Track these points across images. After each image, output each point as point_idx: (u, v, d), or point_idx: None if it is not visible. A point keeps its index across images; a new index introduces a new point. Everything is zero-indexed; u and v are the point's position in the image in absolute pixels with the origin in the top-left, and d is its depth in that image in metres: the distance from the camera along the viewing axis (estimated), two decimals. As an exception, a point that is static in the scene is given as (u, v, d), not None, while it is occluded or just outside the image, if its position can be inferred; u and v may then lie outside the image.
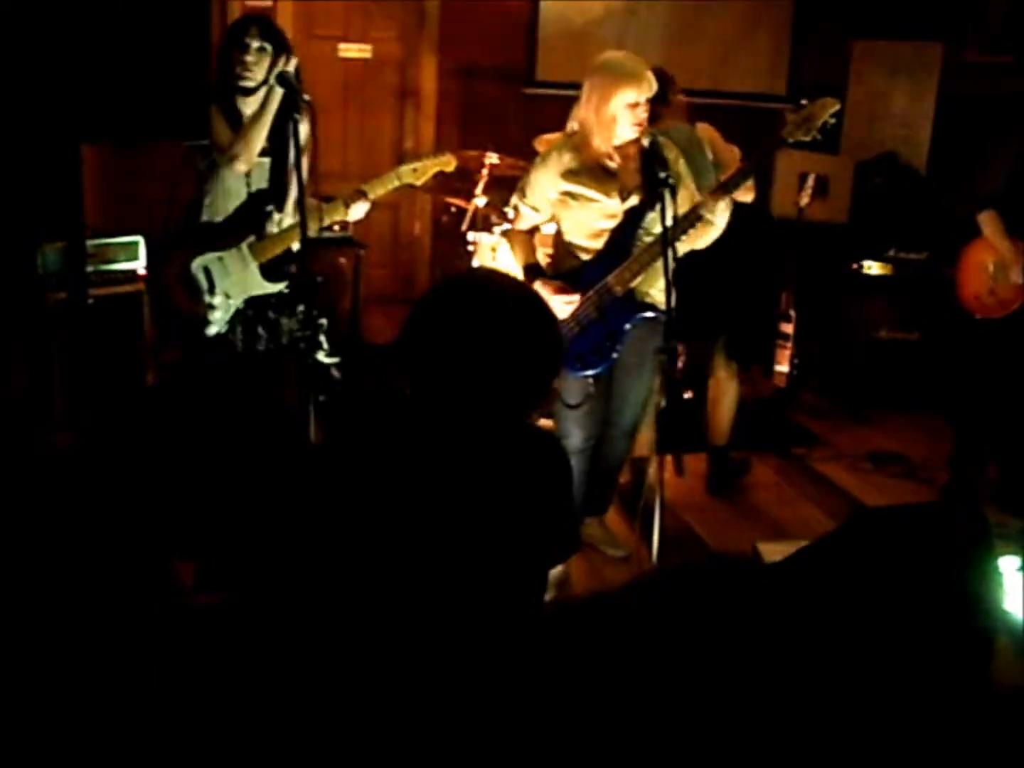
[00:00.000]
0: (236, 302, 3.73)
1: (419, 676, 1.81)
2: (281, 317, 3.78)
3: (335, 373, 3.80)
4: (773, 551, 4.30)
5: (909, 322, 6.05)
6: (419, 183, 3.95)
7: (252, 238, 3.72)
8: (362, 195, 3.81)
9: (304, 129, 3.82)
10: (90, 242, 5.14)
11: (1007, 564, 4.05)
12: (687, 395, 5.82)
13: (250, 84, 3.61)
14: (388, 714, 1.80)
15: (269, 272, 3.72)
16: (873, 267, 6.40)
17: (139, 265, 5.30)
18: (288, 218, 3.81)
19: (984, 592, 3.42)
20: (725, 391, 5.12)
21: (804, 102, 3.90)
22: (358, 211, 3.85)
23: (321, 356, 3.68)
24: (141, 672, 2.38)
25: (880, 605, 3.31)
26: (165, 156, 3.78)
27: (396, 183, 3.89)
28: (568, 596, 4.00)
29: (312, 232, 3.77)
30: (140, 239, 5.30)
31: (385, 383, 6.07)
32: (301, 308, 3.82)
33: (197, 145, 3.58)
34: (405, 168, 3.92)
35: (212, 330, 3.72)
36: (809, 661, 3.33)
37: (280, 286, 3.80)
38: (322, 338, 3.72)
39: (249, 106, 3.61)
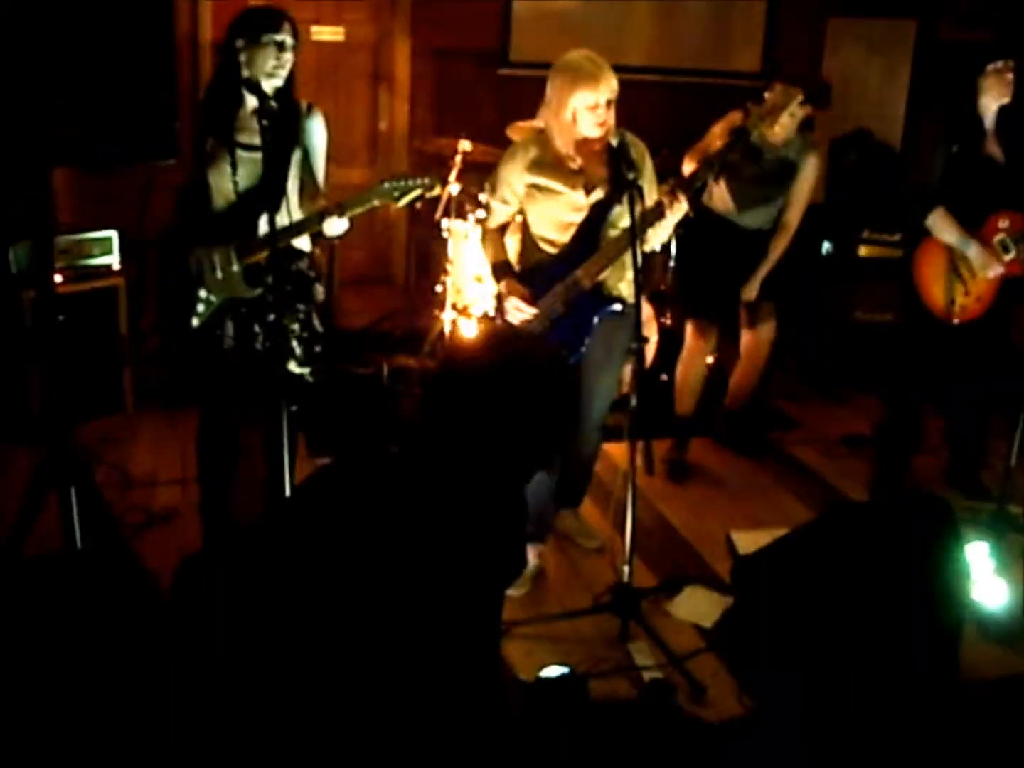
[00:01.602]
0: (216, 300, 3.69)
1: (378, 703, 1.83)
2: (282, 319, 3.69)
3: (309, 379, 3.77)
4: (747, 541, 4.34)
5: (884, 304, 6.06)
6: (398, 205, 3.72)
7: (238, 240, 3.67)
8: (337, 209, 3.59)
9: (311, 127, 3.80)
10: (64, 238, 5.16)
11: (976, 550, 4.10)
12: (663, 378, 5.86)
13: (279, 84, 3.58)
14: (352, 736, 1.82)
15: (252, 276, 3.66)
16: (848, 248, 6.41)
17: (114, 260, 5.31)
18: (285, 219, 3.60)
19: (949, 581, 3.47)
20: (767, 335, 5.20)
21: (767, 94, 3.90)
22: (333, 226, 3.61)
23: (293, 366, 3.68)
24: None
25: (847, 596, 3.34)
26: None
27: (375, 204, 3.66)
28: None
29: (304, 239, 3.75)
30: (114, 233, 5.30)
31: (357, 369, 6.11)
32: (302, 307, 3.80)
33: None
34: (387, 186, 3.65)
35: (194, 322, 3.69)
36: (784, 646, 3.35)
37: (256, 291, 3.70)
38: (294, 344, 3.72)
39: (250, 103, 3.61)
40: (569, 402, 2.13)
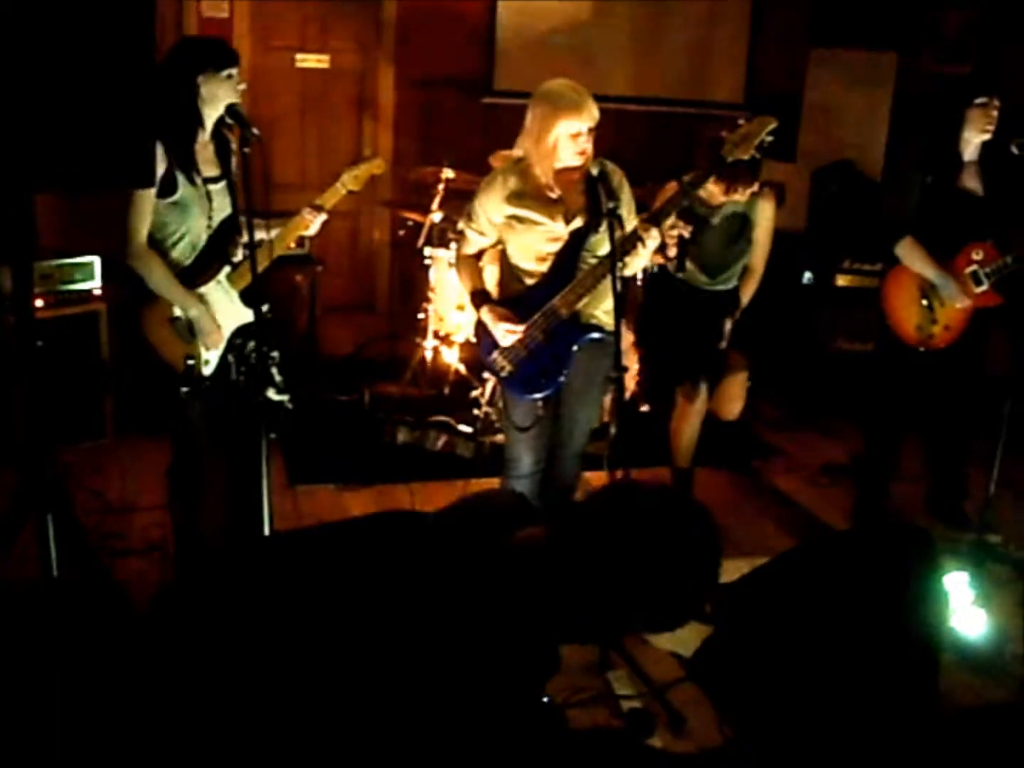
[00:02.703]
0: (226, 335, 3.73)
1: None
2: (248, 342, 3.74)
3: (288, 406, 3.77)
4: (728, 569, 4.33)
5: (864, 333, 6.09)
6: (358, 188, 4.00)
7: (227, 268, 3.70)
8: (319, 209, 3.84)
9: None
10: (46, 263, 5.16)
11: (955, 580, 4.11)
12: (644, 408, 5.88)
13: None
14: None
15: (249, 298, 3.70)
16: (829, 278, 6.45)
17: (95, 285, 5.31)
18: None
19: (929, 610, 3.46)
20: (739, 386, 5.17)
21: (741, 122, 3.93)
22: (317, 224, 3.87)
23: (272, 393, 3.68)
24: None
25: (827, 625, 3.34)
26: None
27: (343, 191, 3.93)
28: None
29: (283, 250, 3.83)
30: (95, 259, 5.31)
31: (339, 396, 6.10)
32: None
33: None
34: (346, 176, 3.94)
35: (209, 369, 3.71)
36: (764, 676, 3.35)
37: (265, 310, 3.79)
38: (274, 371, 3.72)
39: (206, 146, 3.63)
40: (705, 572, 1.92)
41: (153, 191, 3.51)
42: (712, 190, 4.63)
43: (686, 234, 4.25)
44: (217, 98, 3.54)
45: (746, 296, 5.02)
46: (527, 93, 3.88)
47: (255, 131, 3.39)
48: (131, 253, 3.56)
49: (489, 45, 7.67)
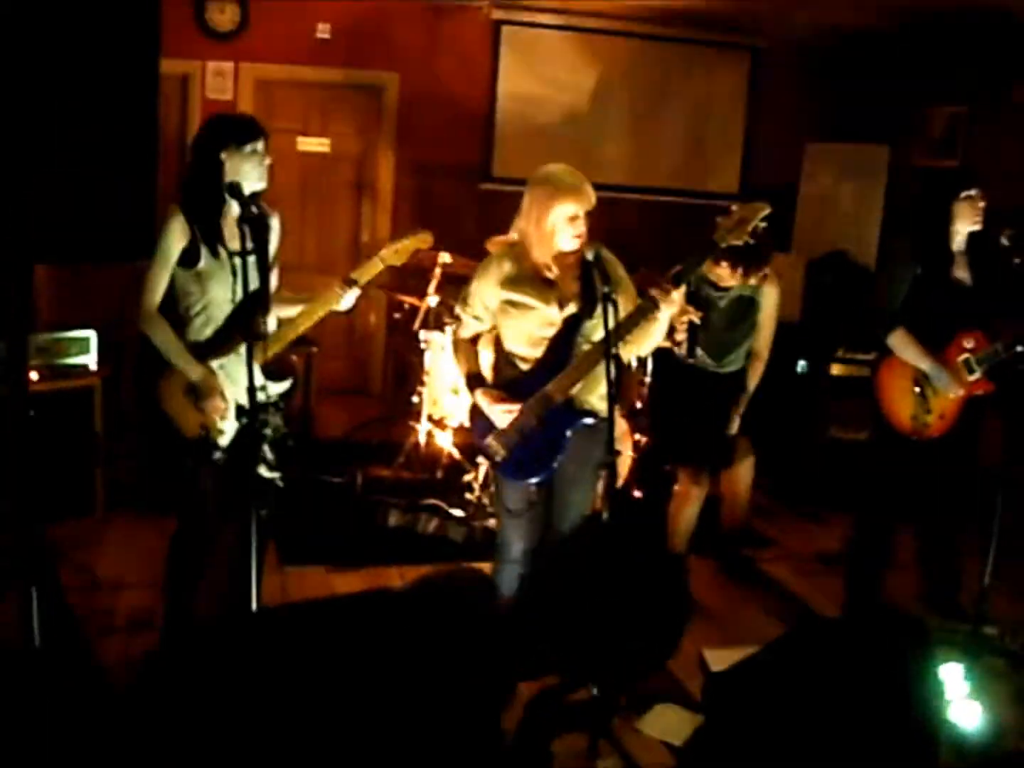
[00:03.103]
0: (237, 407, 3.72)
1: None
2: (266, 415, 3.74)
3: (279, 484, 3.75)
4: (719, 658, 4.29)
5: (858, 422, 6.09)
6: (400, 263, 3.99)
7: (241, 344, 3.70)
8: (353, 283, 3.80)
9: (277, 226, 3.88)
10: (42, 336, 5.17)
11: (950, 672, 4.06)
12: (636, 495, 5.86)
13: (260, 188, 3.65)
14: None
15: (270, 372, 3.71)
16: (823, 367, 6.47)
17: (91, 360, 5.31)
18: (272, 317, 3.81)
19: (924, 703, 3.41)
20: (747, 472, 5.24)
21: (734, 207, 3.97)
22: (349, 299, 3.82)
23: (263, 470, 3.66)
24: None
25: (822, 715, 3.29)
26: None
27: (381, 266, 3.91)
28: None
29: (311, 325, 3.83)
30: (92, 333, 5.31)
31: (332, 478, 6.07)
32: (282, 405, 3.84)
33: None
34: (387, 251, 3.93)
35: (225, 440, 3.70)
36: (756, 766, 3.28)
37: (286, 384, 3.81)
38: (266, 448, 3.71)
39: (232, 211, 3.65)
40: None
41: (172, 259, 3.55)
42: (721, 273, 4.75)
43: (696, 319, 4.28)
44: (240, 173, 3.57)
45: (753, 381, 5.12)
46: (524, 180, 3.91)
47: (254, 209, 3.42)
48: (141, 316, 3.61)
49: (488, 132, 7.79)
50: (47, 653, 2.54)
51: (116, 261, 2.65)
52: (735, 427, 5.09)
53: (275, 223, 3.89)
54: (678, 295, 3.74)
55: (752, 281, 4.82)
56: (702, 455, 5.08)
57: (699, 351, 4.88)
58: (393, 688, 1.75)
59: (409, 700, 1.74)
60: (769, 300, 5.00)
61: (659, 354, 5.23)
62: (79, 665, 2.79)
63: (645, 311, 3.71)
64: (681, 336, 4.42)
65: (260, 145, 3.62)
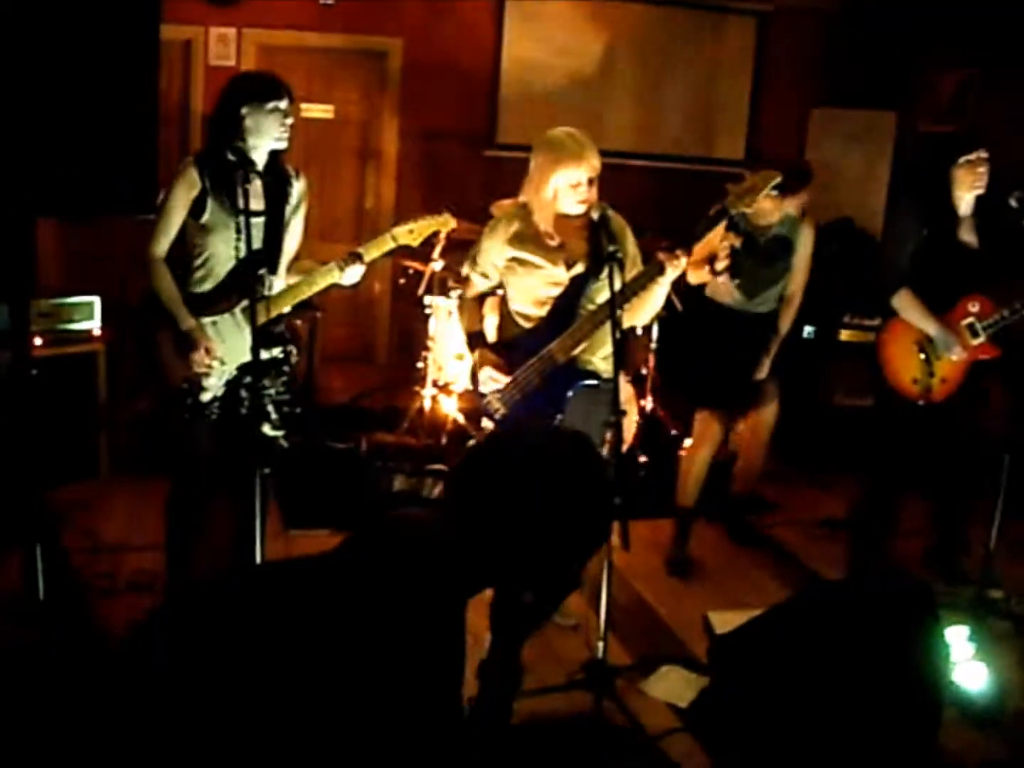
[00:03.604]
0: (230, 368, 3.71)
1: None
2: (265, 379, 3.72)
3: (283, 444, 3.74)
4: (724, 621, 4.29)
5: (864, 388, 6.07)
6: (415, 243, 3.97)
7: (246, 302, 3.67)
8: (357, 258, 3.79)
9: (300, 189, 3.85)
10: (46, 301, 5.16)
11: (956, 634, 4.05)
12: (642, 459, 5.86)
13: (282, 147, 3.65)
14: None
15: (263, 337, 3.68)
16: (829, 333, 6.44)
17: (94, 325, 5.31)
18: (281, 281, 3.81)
19: (929, 664, 3.41)
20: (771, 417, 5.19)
21: (746, 174, 3.94)
22: (353, 274, 3.80)
23: (267, 428, 3.66)
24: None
25: (826, 677, 3.29)
26: (120, 219, 3.76)
27: (392, 244, 3.88)
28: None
29: (310, 295, 3.80)
30: (95, 299, 5.31)
31: (336, 444, 6.06)
32: (286, 369, 3.82)
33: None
34: (400, 230, 3.91)
35: (207, 396, 3.69)
36: (761, 727, 3.28)
37: (275, 351, 3.79)
38: (271, 409, 3.70)
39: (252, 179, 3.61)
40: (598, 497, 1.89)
41: (182, 208, 3.55)
42: (764, 207, 4.63)
43: (737, 244, 4.25)
44: (260, 130, 3.56)
45: (785, 323, 5.06)
46: (530, 147, 3.87)
47: (257, 171, 3.40)
48: (146, 259, 3.60)
49: (492, 98, 7.74)
50: (48, 608, 2.54)
51: (117, 215, 2.64)
52: (765, 370, 5.02)
53: (298, 186, 3.86)
54: (684, 261, 3.71)
55: (790, 209, 4.77)
56: (725, 397, 5.01)
57: (729, 284, 4.84)
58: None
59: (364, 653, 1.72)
60: (806, 241, 4.95)
61: (688, 293, 5.23)
62: (77, 622, 2.79)
63: (651, 273, 3.69)
64: (722, 264, 4.37)
65: (283, 104, 3.59)
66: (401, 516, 1.90)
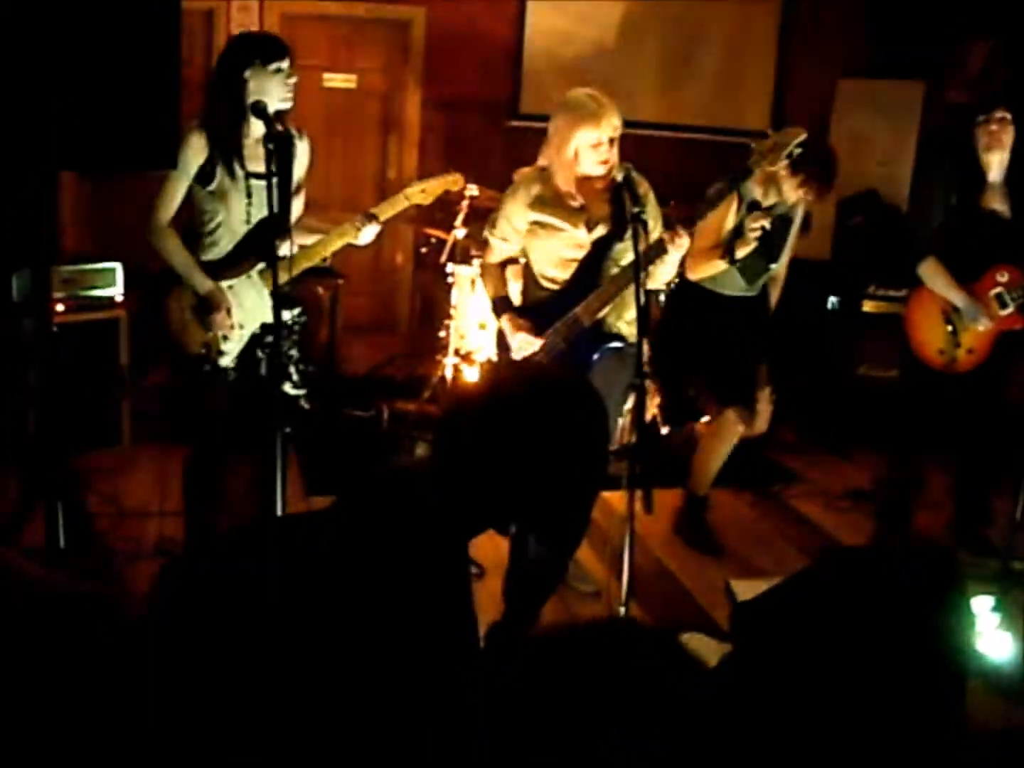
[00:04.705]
0: (249, 330, 3.72)
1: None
2: (280, 341, 3.73)
3: (304, 404, 3.75)
4: (746, 588, 4.27)
5: (889, 359, 6.03)
6: (427, 202, 3.99)
7: (262, 264, 3.69)
8: (372, 218, 3.80)
9: (303, 153, 3.84)
10: (67, 268, 5.17)
11: (981, 604, 4.03)
12: (664, 430, 5.83)
13: (286, 108, 3.62)
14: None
15: (280, 298, 3.71)
16: (854, 304, 6.40)
17: (116, 292, 5.32)
18: (298, 241, 3.79)
19: (954, 632, 3.38)
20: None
21: (769, 132, 3.90)
22: (368, 234, 3.82)
23: (288, 388, 3.66)
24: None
25: (851, 645, 3.26)
26: (144, 183, 3.75)
27: (405, 204, 3.90)
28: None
29: (326, 255, 3.83)
30: (118, 265, 5.32)
31: (358, 412, 6.07)
32: (297, 329, 3.85)
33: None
34: (413, 189, 3.93)
35: (226, 360, 3.70)
36: (782, 703, 3.27)
37: (295, 312, 3.81)
38: (291, 370, 3.71)
39: (257, 141, 3.60)
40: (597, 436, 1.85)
41: (187, 175, 3.53)
42: (787, 187, 4.46)
43: (768, 225, 4.11)
44: (265, 92, 3.54)
45: (774, 305, 4.91)
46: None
47: (280, 128, 3.39)
48: (151, 228, 3.60)
49: (516, 68, 7.69)
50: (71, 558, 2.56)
51: (140, 169, 2.63)
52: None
53: (303, 147, 3.86)
54: (686, 240, 3.68)
55: (809, 197, 4.50)
56: (738, 390, 4.77)
57: (735, 271, 4.57)
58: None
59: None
60: (798, 219, 4.73)
61: (677, 288, 5.05)
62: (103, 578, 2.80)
63: (658, 250, 3.67)
64: (747, 249, 4.19)
65: (285, 64, 3.58)
66: (388, 473, 1.89)
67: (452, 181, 4.03)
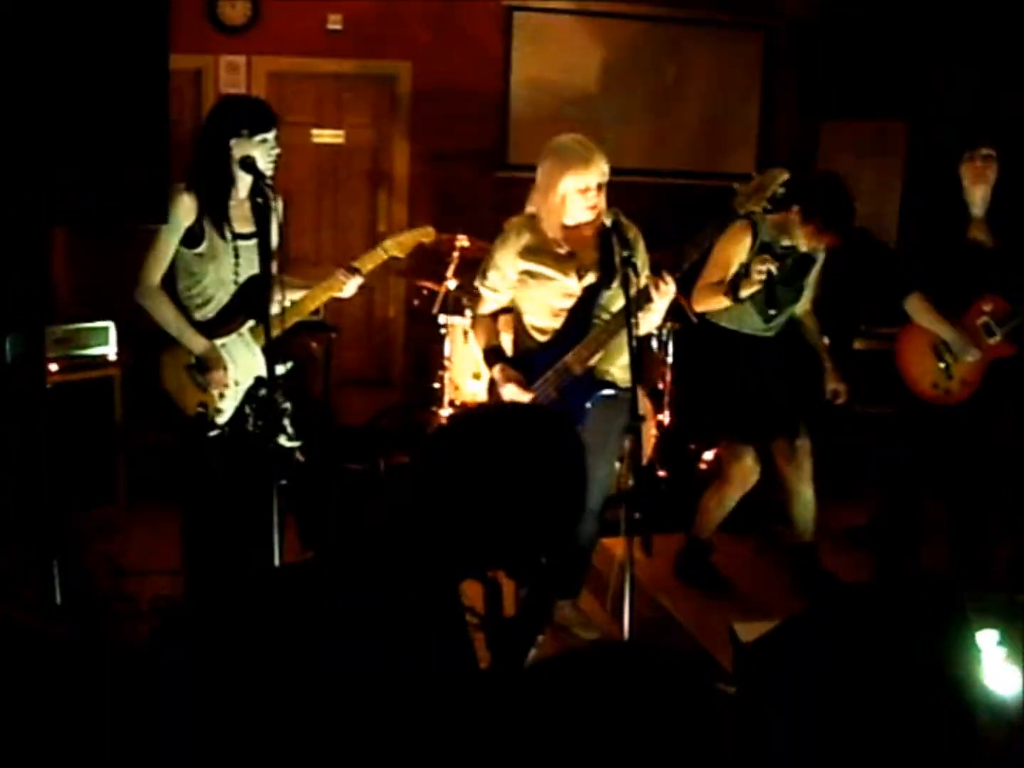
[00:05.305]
0: (244, 387, 3.77)
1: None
2: (274, 395, 3.74)
3: (298, 456, 3.76)
4: (749, 631, 4.24)
5: (882, 396, 6.04)
6: (403, 255, 4.10)
7: (252, 322, 3.73)
8: (355, 271, 3.90)
9: (279, 210, 3.88)
10: (61, 327, 5.18)
11: (985, 638, 4.00)
12: (661, 474, 5.82)
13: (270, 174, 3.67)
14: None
15: (274, 352, 3.74)
16: (846, 342, 6.41)
17: (110, 350, 5.33)
18: (285, 298, 3.85)
19: (960, 666, 3.35)
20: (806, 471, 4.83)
21: (753, 174, 3.93)
22: (352, 286, 3.93)
23: (283, 440, 3.66)
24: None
25: (855, 682, 3.23)
26: (134, 242, 3.78)
27: (383, 256, 4.02)
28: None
29: (312, 311, 3.97)
30: (110, 324, 5.32)
31: (353, 465, 6.05)
32: (292, 382, 3.87)
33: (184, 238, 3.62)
34: (389, 242, 4.04)
35: (223, 419, 3.72)
36: (788, 744, 3.24)
37: (288, 365, 3.84)
38: (286, 422, 3.71)
39: (241, 204, 3.64)
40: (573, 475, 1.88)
41: (177, 237, 3.55)
42: (804, 232, 4.43)
43: (774, 269, 4.08)
44: (275, 161, 3.61)
45: (813, 340, 4.86)
46: (539, 165, 3.89)
47: (269, 183, 3.42)
48: (140, 291, 3.63)
49: (503, 119, 7.75)
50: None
51: (130, 225, 2.65)
52: (840, 385, 4.81)
53: (278, 207, 3.89)
54: (672, 287, 3.68)
55: (820, 246, 4.51)
56: (748, 428, 4.69)
57: (754, 310, 4.53)
58: None
59: None
60: (820, 259, 4.68)
61: (693, 328, 4.98)
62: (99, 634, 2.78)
63: (644, 298, 3.67)
64: (751, 290, 4.15)
65: (271, 135, 3.64)
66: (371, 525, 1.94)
67: (424, 234, 4.16)
